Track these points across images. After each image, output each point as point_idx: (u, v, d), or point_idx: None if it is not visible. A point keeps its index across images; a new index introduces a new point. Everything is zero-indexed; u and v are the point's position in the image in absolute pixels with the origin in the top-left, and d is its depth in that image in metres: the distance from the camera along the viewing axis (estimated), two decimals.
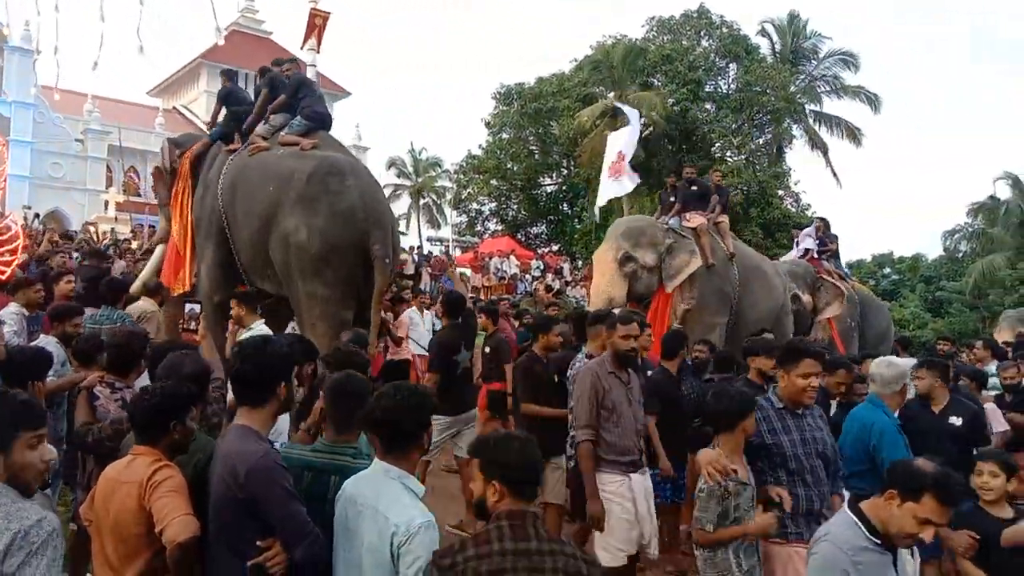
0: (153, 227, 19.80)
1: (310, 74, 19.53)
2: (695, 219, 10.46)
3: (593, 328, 5.67)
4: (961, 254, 40.59)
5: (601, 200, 17.40)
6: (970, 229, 40.00)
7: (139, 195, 30.66)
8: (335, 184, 7.16)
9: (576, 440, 4.56)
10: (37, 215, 21.50)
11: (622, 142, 15.50)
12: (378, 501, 2.51)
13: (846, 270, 13.95)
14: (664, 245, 10.04)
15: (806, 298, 11.88)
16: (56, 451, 3.87)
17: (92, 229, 18.07)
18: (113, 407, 3.68)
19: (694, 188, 10.85)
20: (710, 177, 11.55)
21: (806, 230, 13.17)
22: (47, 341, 4.90)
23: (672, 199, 10.94)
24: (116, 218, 25.45)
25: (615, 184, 15.33)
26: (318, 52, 19.14)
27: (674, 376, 6.12)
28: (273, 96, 8.29)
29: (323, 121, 8.31)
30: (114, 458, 2.90)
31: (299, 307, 7.26)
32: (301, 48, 19.74)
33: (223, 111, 8.93)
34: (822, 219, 14.19)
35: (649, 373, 6.03)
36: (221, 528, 2.58)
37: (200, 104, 37.52)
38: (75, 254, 11.28)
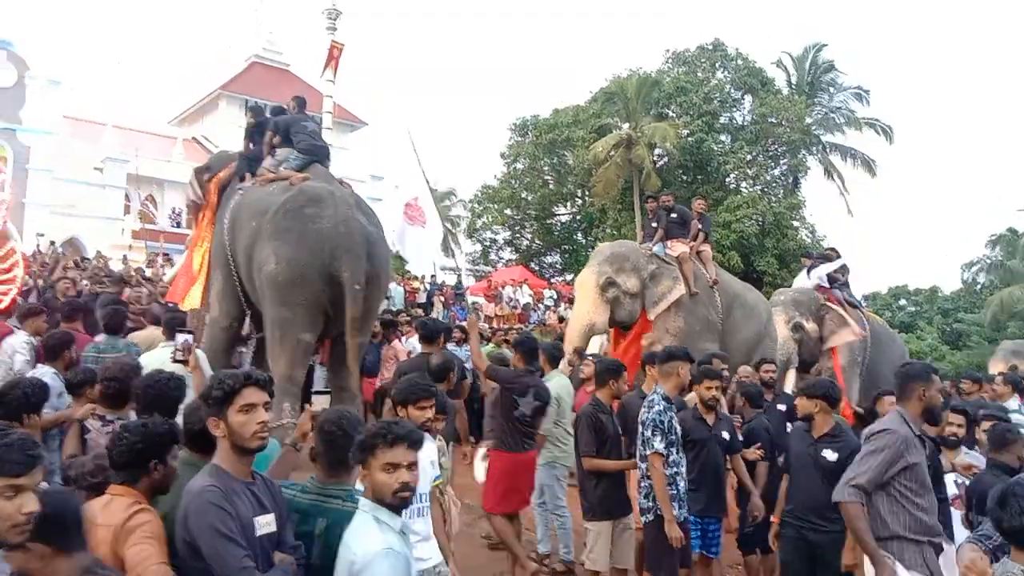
0: (167, 255, 19.91)
1: (327, 105, 19.77)
2: (677, 247, 10.40)
3: (667, 365, 5.12)
4: (980, 286, 40.23)
5: (409, 251, 14.77)
6: (988, 261, 39.71)
7: (154, 223, 30.87)
8: (309, 213, 7.41)
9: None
10: (52, 243, 21.64)
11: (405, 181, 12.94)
12: (348, 534, 2.55)
13: (859, 301, 13.73)
14: (647, 271, 9.96)
15: (810, 326, 11.68)
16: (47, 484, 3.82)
17: (104, 258, 18.16)
18: (104, 440, 3.60)
19: (673, 216, 10.75)
20: (693, 205, 11.42)
21: (823, 266, 12.95)
22: (44, 372, 4.86)
23: (655, 225, 10.84)
24: (131, 246, 25.62)
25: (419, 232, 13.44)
26: (333, 83, 19.33)
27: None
28: (276, 134, 8.71)
29: (317, 153, 8.60)
30: (100, 493, 2.82)
31: (267, 332, 7.61)
32: (320, 78, 19.97)
33: (250, 147, 9.21)
34: (833, 250, 14.05)
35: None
36: (186, 569, 2.49)
37: (220, 134, 37.86)
38: (85, 281, 11.28)
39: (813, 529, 4.70)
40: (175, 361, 4.88)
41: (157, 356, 5.47)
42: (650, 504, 4.86)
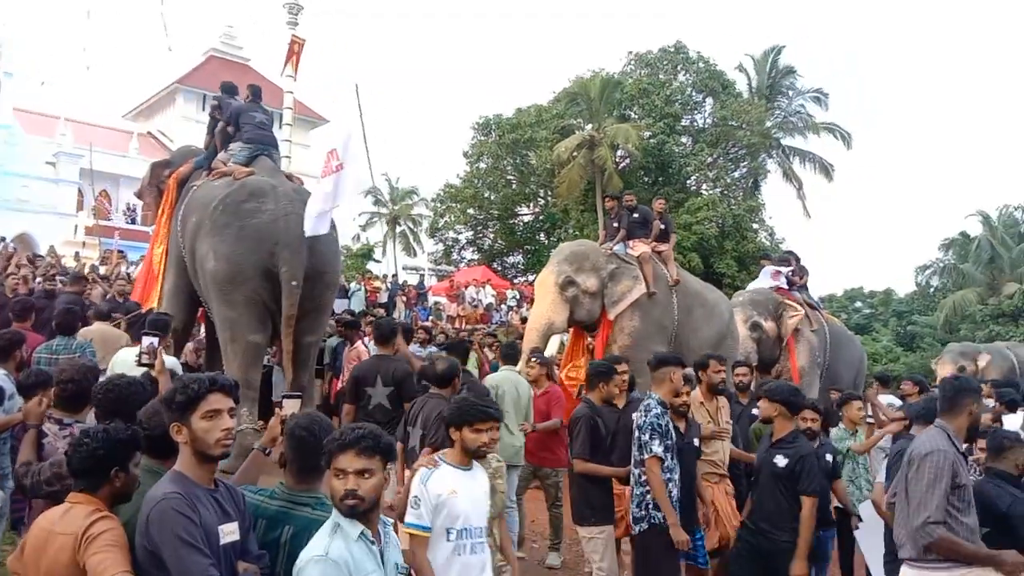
0: (122, 252, 19.47)
1: (287, 101, 19.52)
2: (638, 246, 10.38)
3: (660, 371, 5.04)
4: (933, 289, 41.16)
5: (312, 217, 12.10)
6: (941, 264, 40.65)
7: (109, 219, 30.22)
8: (248, 208, 7.32)
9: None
10: (2, 238, 21.07)
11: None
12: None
13: (817, 302, 13.93)
14: (607, 270, 9.91)
15: (768, 325, 11.81)
16: (3, 492, 3.69)
17: (57, 255, 17.68)
18: (62, 444, 3.48)
19: (635, 216, 10.73)
20: (654, 205, 11.40)
21: (776, 269, 13.09)
22: None
23: (616, 224, 10.82)
24: (84, 243, 25.04)
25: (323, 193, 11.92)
26: (294, 79, 19.09)
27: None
28: (228, 123, 8.61)
29: (262, 142, 8.50)
30: (59, 502, 2.70)
31: (218, 334, 7.60)
32: (280, 75, 19.70)
33: (211, 140, 9.13)
34: (792, 253, 14.25)
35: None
36: None
37: (176, 129, 37.20)
38: (39, 279, 10.97)
39: (764, 537, 4.70)
40: (140, 364, 4.74)
41: (122, 358, 5.33)
42: (643, 512, 4.75)
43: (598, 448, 5.25)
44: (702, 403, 5.58)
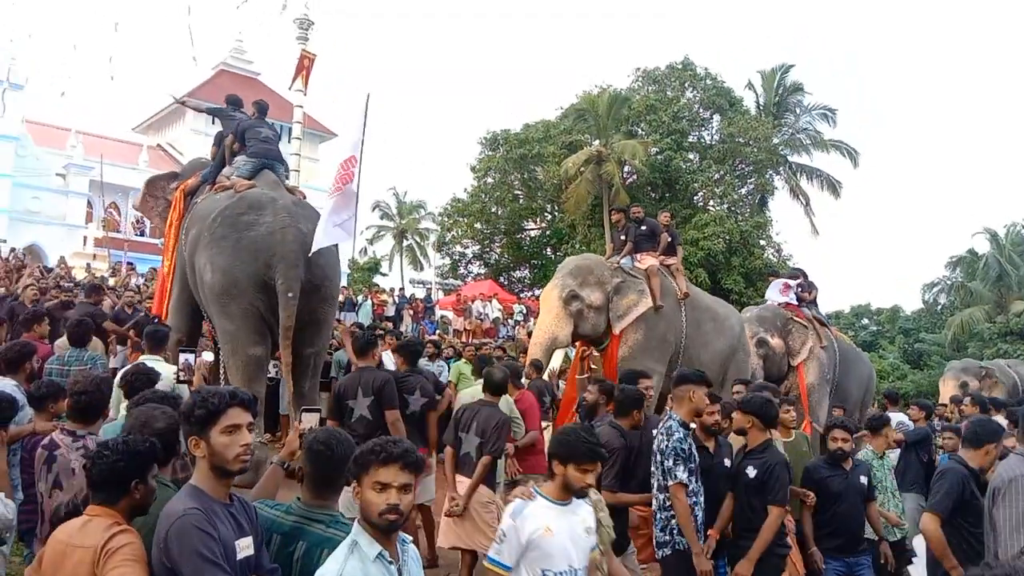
0: (131, 264, 19.57)
1: (297, 115, 19.62)
2: (646, 260, 10.26)
3: (680, 389, 4.80)
4: (940, 307, 41.05)
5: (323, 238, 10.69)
6: (949, 282, 40.55)
7: (119, 231, 30.37)
8: (246, 220, 7.33)
9: None
10: (13, 249, 21.18)
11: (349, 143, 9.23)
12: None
13: (826, 319, 13.88)
14: (612, 284, 9.77)
15: (775, 342, 11.71)
16: (13, 503, 3.68)
17: (67, 266, 17.79)
18: (74, 456, 3.47)
19: (643, 229, 10.62)
20: (659, 218, 11.22)
21: (786, 281, 13.05)
22: (4, 384, 4.69)
23: (623, 237, 10.72)
24: (95, 255, 25.17)
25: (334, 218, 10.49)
26: (304, 93, 19.19)
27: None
28: (235, 139, 8.66)
29: (266, 156, 8.54)
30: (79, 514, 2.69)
31: (221, 348, 7.59)
32: (289, 89, 19.81)
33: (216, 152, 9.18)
34: (799, 270, 14.20)
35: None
36: None
37: (185, 142, 37.41)
38: (52, 290, 11.02)
39: (738, 546, 4.71)
40: (179, 382, 4.76)
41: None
42: (668, 537, 4.61)
43: (628, 476, 5.05)
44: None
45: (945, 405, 11.91)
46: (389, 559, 2.42)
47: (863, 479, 5.36)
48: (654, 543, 4.77)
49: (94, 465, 2.53)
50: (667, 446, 4.60)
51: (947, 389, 13.08)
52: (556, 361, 9.94)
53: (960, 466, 4.40)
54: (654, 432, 4.85)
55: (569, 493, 3.21)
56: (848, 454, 5.35)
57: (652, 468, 4.74)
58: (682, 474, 4.52)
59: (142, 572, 2.35)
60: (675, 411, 4.79)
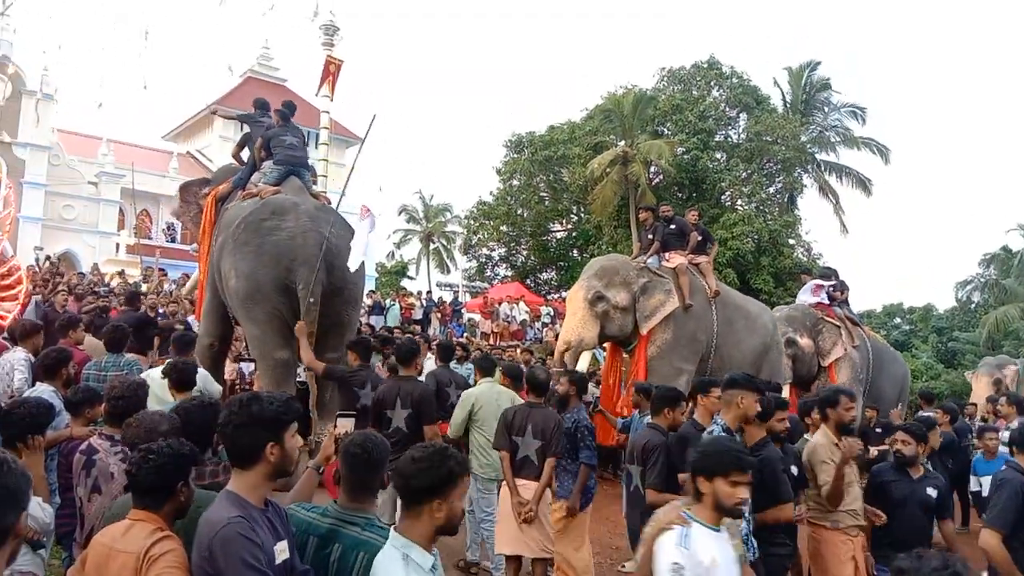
0: (163, 270, 19.81)
1: (323, 121, 19.74)
2: (675, 259, 10.20)
3: (727, 393, 4.64)
4: (974, 305, 40.42)
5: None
6: (983, 280, 39.92)
7: (150, 238, 30.76)
8: (268, 225, 7.40)
9: None
10: (48, 257, 21.50)
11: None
12: (375, 568, 2.44)
13: (858, 318, 13.72)
14: (638, 284, 9.73)
15: (804, 342, 11.61)
16: (51, 508, 3.72)
17: (100, 273, 18.04)
18: (113, 461, 3.51)
19: (672, 227, 10.55)
20: (687, 216, 11.18)
21: (818, 282, 12.90)
22: (42, 389, 4.76)
23: (650, 236, 10.63)
24: (129, 265, 25.49)
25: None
26: (331, 99, 19.28)
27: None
28: (262, 146, 8.77)
29: (292, 163, 8.61)
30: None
31: (249, 348, 7.70)
32: (316, 95, 19.93)
33: (240, 154, 9.31)
34: (831, 269, 14.04)
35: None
36: None
37: (214, 149, 37.81)
38: (87, 296, 11.19)
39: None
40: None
41: (153, 375, 5.39)
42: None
43: (673, 476, 4.86)
44: (837, 444, 4.83)
45: (975, 404, 11.67)
46: (437, 565, 2.46)
47: (931, 491, 4.91)
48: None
49: (141, 469, 2.54)
50: None
51: (980, 386, 12.84)
52: (583, 363, 9.90)
53: (1019, 474, 4.12)
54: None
55: (721, 514, 2.95)
56: (909, 458, 4.98)
57: None
58: None
59: None
60: (722, 415, 4.59)
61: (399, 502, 2.65)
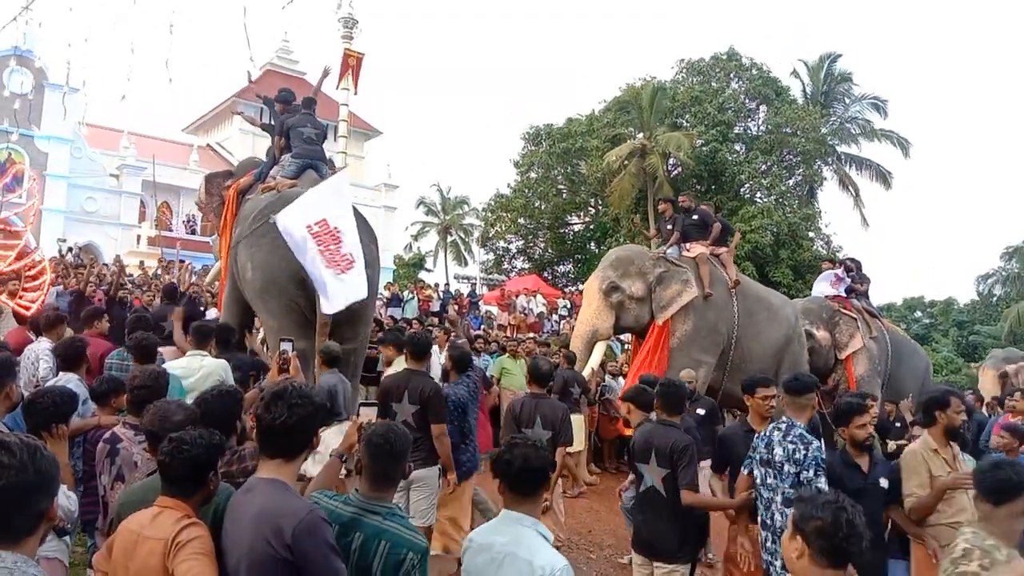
0: (183, 262, 19.98)
1: (342, 113, 19.79)
2: (695, 248, 10.09)
3: (804, 397, 4.43)
4: (996, 298, 40.03)
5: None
6: (1004, 273, 39.51)
7: (171, 230, 31.02)
8: None
9: None
10: (71, 248, 21.76)
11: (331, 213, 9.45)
12: (518, 547, 2.68)
13: (877, 310, 13.56)
14: (654, 275, 9.61)
15: (821, 334, 11.40)
16: (75, 496, 3.78)
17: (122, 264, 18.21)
18: (137, 450, 3.56)
19: (694, 217, 10.44)
20: (710, 206, 11.07)
21: (837, 273, 12.77)
22: (68, 379, 4.82)
23: (670, 227, 10.52)
24: (150, 257, 25.74)
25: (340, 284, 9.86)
26: (355, 93, 19.28)
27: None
28: (282, 137, 8.83)
29: (310, 156, 8.64)
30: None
31: (267, 339, 7.76)
32: (336, 88, 19.97)
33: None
34: (854, 260, 13.89)
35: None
36: None
37: (234, 142, 38.03)
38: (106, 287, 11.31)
39: None
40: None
41: (184, 363, 5.45)
42: None
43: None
44: (936, 450, 4.45)
45: (981, 399, 11.32)
46: None
47: (883, 481, 4.54)
48: (752, 565, 4.40)
49: (173, 459, 2.57)
50: (807, 455, 4.13)
51: (986, 379, 12.58)
52: (597, 355, 9.77)
53: None
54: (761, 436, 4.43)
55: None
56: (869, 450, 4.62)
57: (768, 479, 4.27)
58: (823, 485, 4.07)
59: (211, 565, 2.39)
60: (795, 417, 4.36)
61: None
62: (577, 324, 10.15)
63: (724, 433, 4.73)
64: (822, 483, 4.09)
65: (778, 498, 4.18)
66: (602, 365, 10.82)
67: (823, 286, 12.57)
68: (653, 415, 4.91)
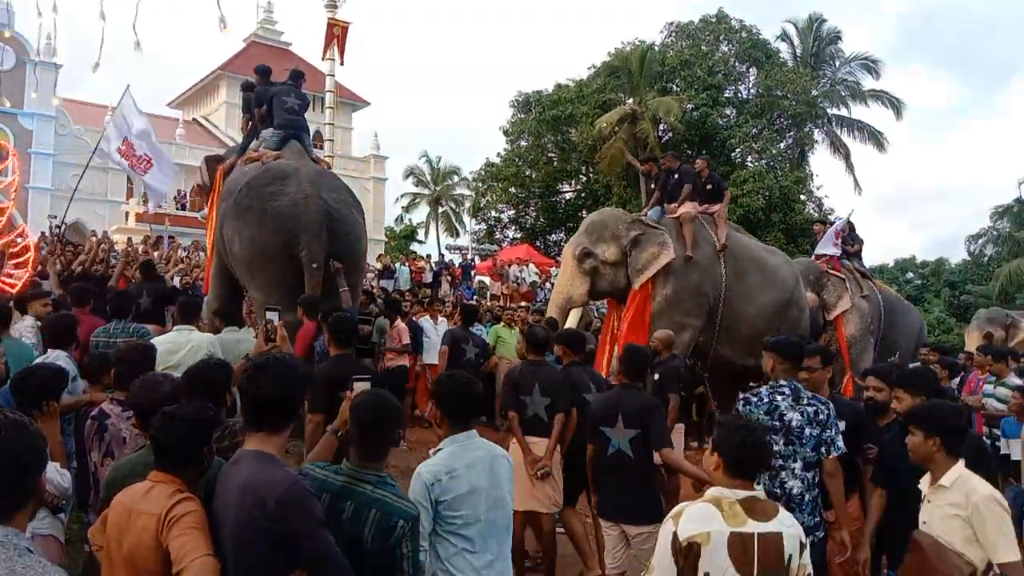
0: (173, 238, 19.87)
1: (328, 84, 19.56)
2: (682, 208, 9.71)
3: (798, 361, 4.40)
4: (987, 258, 40.13)
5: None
6: (995, 233, 39.58)
7: (160, 206, 30.78)
8: (270, 191, 7.40)
9: None
10: (60, 225, 21.58)
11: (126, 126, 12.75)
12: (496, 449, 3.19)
13: (868, 271, 13.48)
14: (628, 238, 9.26)
15: (808, 296, 11.08)
16: (68, 472, 3.75)
17: (109, 240, 18.07)
18: (125, 426, 3.52)
19: (675, 176, 10.07)
20: (696, 164, 10.60)
21: (838, 230, 12.65)
22: (57, 355, 4.77)
23: (653, 187, 10.26)
24: (139, 234, 25.54)
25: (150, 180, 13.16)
26: (341, 63, 19.02)
27: None
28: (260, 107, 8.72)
29: (293, 126, 8.58)
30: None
31: (255, 313, 7.70)
32: (322, 59, 19.73)
33: (246, 121, 9.29)
34: (849, 222, 13.78)
35: None
36: (244, 564, 2.35)
37: (220, 115, 37.70)
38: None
39: None
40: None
41: (171, 338, 5.40)
42: (819, 519, 4.17)
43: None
44: None
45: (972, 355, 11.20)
46: None
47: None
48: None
49: (165, 434, 2.54)
50: (828, 415, 4.14)
51: (972, 341, 12.55)
52: (572, 321, 9.66)
53: None
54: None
55: None
56: (884, 405, 4.67)
57: (775, 447, 4.11)
58: (842, 444, 4.17)
59: (204, 538, 2.37)
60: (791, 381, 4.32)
61: None
62: (553, 292, 10.01)
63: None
64: (840, 441, 4.11)
65: (796, 464, 4.10)
66: (590, 329, 10.72)
67: (827, 247, 12.33)
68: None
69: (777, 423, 4.11)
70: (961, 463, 3.21)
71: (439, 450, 3.13)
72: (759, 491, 2.78)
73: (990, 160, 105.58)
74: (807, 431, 4.09)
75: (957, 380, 8.20)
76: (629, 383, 4.84)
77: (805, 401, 4.16)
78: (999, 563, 2.97)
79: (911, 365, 9.54)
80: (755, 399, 4.25)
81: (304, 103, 8.92)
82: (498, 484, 3.11)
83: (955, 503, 3.11)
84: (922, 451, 3.29)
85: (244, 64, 36.66)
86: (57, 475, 3.50)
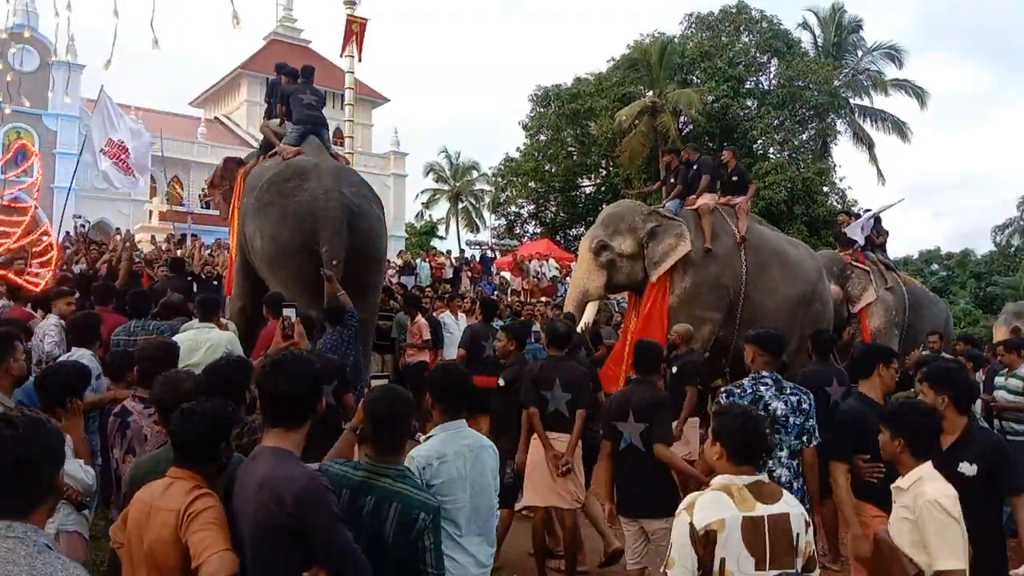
0: (196, 236, 20.02)
1: (348, 81, 19.59)
2: (700, 200, 9.53)
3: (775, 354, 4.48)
4: (1013, 249, 39.59)
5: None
6: (1022, 223, 39.03)
7: (182, 204, 31.04)
8: (291, 187, 7.42)
9: None
10: (84, 224, 21.83)
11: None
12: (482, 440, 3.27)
13: (893, 263, 13.31)
14: (645, 230, 9.14)
15: (833, 289, 10.89)
16: (92, 469, 3.79)
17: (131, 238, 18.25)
18: (147, 423, 3.55)
19: (695, 168, 9.91)
20: (723, 155, 10.55)
21: (866, 217, 12.48)
22: (81, 353, 4.82)
23: (673, 180, 10.09)
24: (164, 233, 25.79)
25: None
26: (359, 60, 19.03)
27: None
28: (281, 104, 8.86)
29: (312, 122, 8.61)
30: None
31: None
32: (341, 56, 19.75)
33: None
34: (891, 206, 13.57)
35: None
36: (263, 560, 2.37)
37: (241, 114, 37.90)
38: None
39: None
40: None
41: (191, 336, 5.44)
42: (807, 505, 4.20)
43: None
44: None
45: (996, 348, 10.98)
46: None
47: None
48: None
49: (185, 431, 2.57)
50: (811, 404, 4.31)
51: (999, 335, 12.40)
52: (589, 314, 9.59)
53: None
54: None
55: None
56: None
57: (786, 437, 4.29)
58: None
59: (223, 534, 2.39)
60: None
61: None
62: (570, 286, 9.97)
63: (856, 414, 4.21)
64: (817, 432, 4.31)
65: (782, 453, 4.26)
66: (611, 323, 10.67)
67: (855, 233, 12.14)
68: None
69: (762, 412, 4.14)
70: (926, 465, 3.13)
71: (430, 436, 3.19)
72: (763, 475, 2.88)
73: (1017, 148, 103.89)
74: (791, 420, 4.26)
75: (982, 374, 8.05)
76: (641, 378, 4.91)
77: (788, 391, 4.31)
78: (936, 570, 2.93)
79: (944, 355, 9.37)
80: (738, 390, 4.37)
81: (320, 99, 8.95)
82: (483, 472, 3.18)
83: (906, 505, 3.09)
84: (888, 450, 3.25)
85: (264, 62, 36.86)
86: (81, 472, 3.53)
